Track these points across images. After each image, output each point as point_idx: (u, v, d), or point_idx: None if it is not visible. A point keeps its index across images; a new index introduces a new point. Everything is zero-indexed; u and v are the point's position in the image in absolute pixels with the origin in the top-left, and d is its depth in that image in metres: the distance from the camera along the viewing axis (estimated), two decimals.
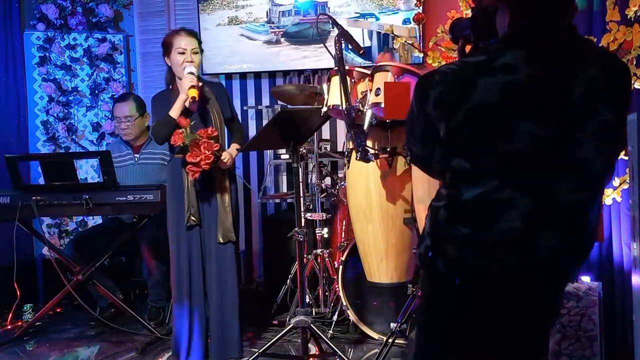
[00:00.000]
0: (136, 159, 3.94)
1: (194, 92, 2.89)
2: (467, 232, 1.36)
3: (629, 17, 2.43)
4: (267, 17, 4.52)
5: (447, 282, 1.43)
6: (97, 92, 4.68)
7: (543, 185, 1.33)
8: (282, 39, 4.51)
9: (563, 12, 1.39)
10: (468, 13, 2.72)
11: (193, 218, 3.01)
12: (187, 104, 2.96)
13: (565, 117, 1.32)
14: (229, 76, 4.66)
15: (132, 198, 3.34)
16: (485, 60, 1.37)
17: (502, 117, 1.33)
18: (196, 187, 3.01)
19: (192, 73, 2.94)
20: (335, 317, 3.40)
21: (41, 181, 3.59)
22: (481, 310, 1.42)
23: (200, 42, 3.08)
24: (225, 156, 2.99)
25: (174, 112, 2.93)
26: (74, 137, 4.64)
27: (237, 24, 4.55)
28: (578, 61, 1.35)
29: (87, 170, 4.64)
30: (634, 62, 2.42)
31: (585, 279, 2.68)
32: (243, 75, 4.66)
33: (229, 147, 3.16)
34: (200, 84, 3.00)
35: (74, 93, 4.65)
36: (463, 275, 1.40)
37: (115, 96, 4.60)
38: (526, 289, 1.42)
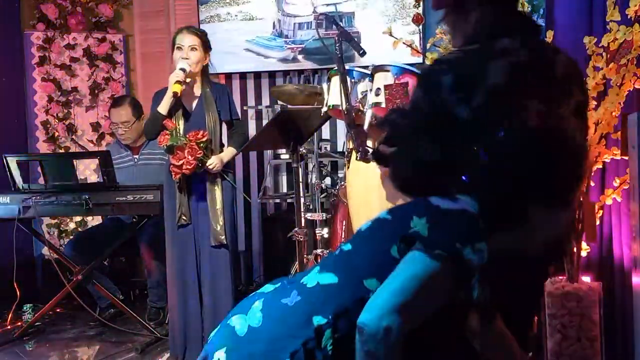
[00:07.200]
0: (136, 160, 3.94)
1: (177, 88, 2.88)
2: None
3: (629, 17, 2.43)
4: (273, 27, 4.25)
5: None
6: (96, 92, 4.67)
7: None
8: (300, 57, 4.25)
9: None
10: None
11: (184, 217, 3.01)
12: (185, 101, 2.97)
13: (554, 94, 1.40)
14: (228, 76, 4.65)
15: (132, 198, 3.34)
16: (481, 48, 1.41)
17: (515, 97, 1.36)
18: (187, 187, 3.01)
19: (182, 69, 2.93)
20: None
21: (41, 181, 3.59)
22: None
23: (203, 41, 3.06)
24: (212, 161, 2.98)
25: (162, 107, 2.94)
26: (73, 137, 4.64)
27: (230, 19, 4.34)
28: (551, 47, 1.48)
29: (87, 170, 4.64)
30: (634, 62, 2.42)
31: (585, 279, 2.68)
32: (243, 75, 4.65)
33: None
34: (188, 80, 2.98)
35: (74, 93, 4.64)
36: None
37: (115, 96, 4.59)
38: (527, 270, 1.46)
